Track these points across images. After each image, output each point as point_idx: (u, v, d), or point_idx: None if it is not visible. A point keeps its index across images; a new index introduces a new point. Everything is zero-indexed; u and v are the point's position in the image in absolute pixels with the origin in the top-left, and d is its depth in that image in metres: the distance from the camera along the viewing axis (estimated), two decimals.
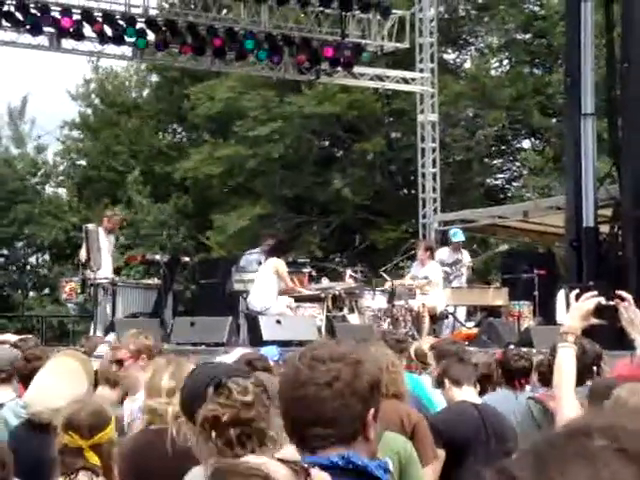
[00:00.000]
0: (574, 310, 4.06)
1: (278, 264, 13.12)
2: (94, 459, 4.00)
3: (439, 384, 6.09)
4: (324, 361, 2.30)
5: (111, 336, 8.13)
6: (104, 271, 13.98)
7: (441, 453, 5.43)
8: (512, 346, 11.46)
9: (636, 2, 14.53)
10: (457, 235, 16.78)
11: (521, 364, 6.89)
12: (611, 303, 4.14)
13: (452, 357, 6.43)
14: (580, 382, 5.98)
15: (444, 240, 18.20)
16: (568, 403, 3.94)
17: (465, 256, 16.28)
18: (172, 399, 4.60)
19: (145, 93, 35.77)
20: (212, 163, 28.40)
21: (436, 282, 14.55)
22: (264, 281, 13.13)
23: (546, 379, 6.67)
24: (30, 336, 9.84)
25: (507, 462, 1.15)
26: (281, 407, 2.38)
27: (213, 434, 2.82)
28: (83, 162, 34.73)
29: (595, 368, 6.32)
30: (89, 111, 34.80)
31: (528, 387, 7.02)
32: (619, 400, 4.14)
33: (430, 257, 14.94)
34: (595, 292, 4.11)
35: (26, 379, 5.96)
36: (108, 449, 4.07)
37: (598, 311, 4.04)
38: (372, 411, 2.33)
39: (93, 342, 8.02)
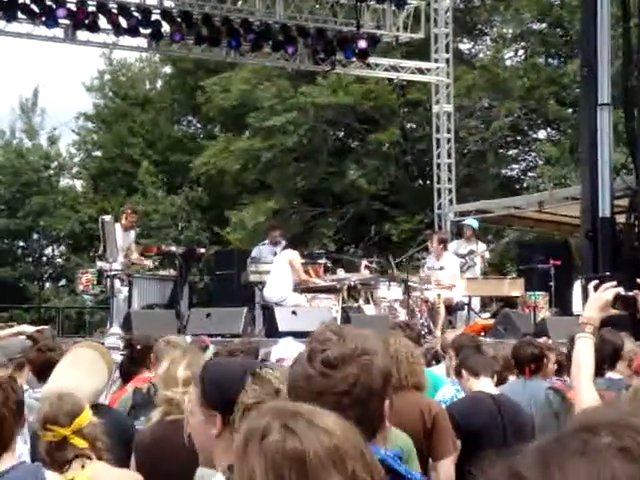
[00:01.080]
0: (593, 301, 4.02)
1: (292, 256, 13.13)
2: (81, 443, 4.03)
3: (457, 374, 6.10)
4: (336, 366, 2.26)
5: (115, 328, 8.14)
6: (118, 265, 13.99)
7: (457, 444, 5.43)
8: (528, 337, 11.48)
9: None
10: (467, 220, 16.79)
11: (530, 351, 6.89)
12: (630, 294, 4.11)
13: (470, 348, 6.44)
14: (599, 373, 5.98)
15: (459, 232, 18.15)
16: (586, 394, 3.92)
17: (480, 246, 16.25)
18: (189, 388, 4.62)
19: (158, 85, 35.82)
20: (227, 157, 28.40)
21: (454, 274, 14.54)
22: (279, 273, 13.15)
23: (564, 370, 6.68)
24: (46, 327, 9.88)
25: (513, 458, 1.15)
26: None
27: None
28: (98, 153, 34.81)
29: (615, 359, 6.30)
30: (102, 102, 34.87)
31: (555, 378, 6.99)
32: (638, 392, 4.13)
33: (444, 249, 14.93)
34: (614, 282, 4.08)
35: (39, 370, 5.98)
36: (92, 431, 4.10)
37: (618, 301, 4.01)
38: (387, 403, 2.32)
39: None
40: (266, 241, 15.74)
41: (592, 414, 1.20)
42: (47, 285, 33.80)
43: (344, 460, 1.77)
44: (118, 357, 7.22)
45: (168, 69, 34.96)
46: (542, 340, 10.17)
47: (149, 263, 14.79)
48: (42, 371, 5.77)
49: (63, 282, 33.12)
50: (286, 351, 6.52)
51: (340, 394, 2.25)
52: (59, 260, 34.64)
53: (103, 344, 6.94)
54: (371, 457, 1.85)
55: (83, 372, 5.04)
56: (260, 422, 1.82)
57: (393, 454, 2.26)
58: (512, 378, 6.94)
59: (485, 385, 5.86)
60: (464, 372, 5.92)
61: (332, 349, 2.30)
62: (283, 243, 14.66)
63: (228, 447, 2.84)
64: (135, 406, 5.88)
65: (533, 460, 1.14)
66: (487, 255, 16.75)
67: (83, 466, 4.04)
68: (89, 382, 4.96)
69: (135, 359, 6.78)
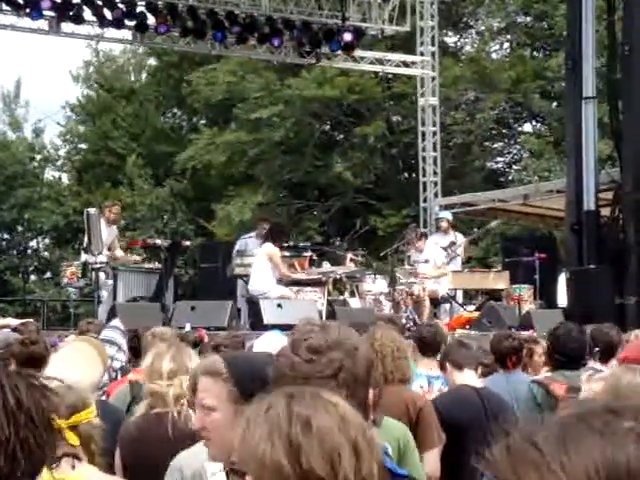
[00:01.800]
0: None
1: (271, 251, 13.07)
2: (73, 439, 3.98)
3: (441, 367, 6.11)
4: (321, 352, 2.28)
5: (116, 321, 8.13)
6: (103, 257, 13.95)
7: (442, 436, 5.45)
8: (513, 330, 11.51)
9: None
10: (441, 214, 16.82)
11: (509, 343, 6.91)
12: None
13: (453, 341, 6.46)
14: (580, 364, 6.02)
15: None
16: None
17: (459, 237, 16.25)
18: (173, 381, 4.62)
19: (143, 77, 35.73)
20: (213, 150, 28.36)
21: (438, 264, 14.59)
22: (260, 266, 13.13)
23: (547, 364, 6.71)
24: (31, 320, 9.86)
25: (533, 428, 1.16)
26: None
27: None
28: (83, 146, 34.72)
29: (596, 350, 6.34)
30: (88, 93, 34.77)
31: (545, 369, 7.02)
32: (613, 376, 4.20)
33: (425, 242, 15.03)
34: None
35: (23, 363, 5.96)
36: (87, 430, 4.05)
37: None
38: (372, 392, 2.33)
39: (99, 326, 8.06)
40: (252, 233, 15.71)
41: (624, 397, 1.22)
42: (32, 278, 33.70)
43: (348, 429, 1.81)
44: (111, 351, 7.22)
45: (153, 61, 34.86)
46: (527, 333, 10.23)
47: (135, 258, 14.75)
48: (26, 364, 5.74)
49: (48, 275, 33.04)
50: (269, 344, 6.50)
51: (326, 378, 2.26)
52: (44, 253, 34.55)
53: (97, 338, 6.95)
54: (370, 434, 1.87)
55: (79, 366, 5.03)
56: (265, 400, 1.86)
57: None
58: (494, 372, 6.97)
59: (469, 378, 5.87)
60: (448, 365, 5.93)
61: (315, 337, 2.32)
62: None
63: None
64: (135, 398, 5.87)
65: (552, 433, 1.15)
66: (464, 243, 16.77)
67: (73, 467, 4.01)
68: (84, 376, 4.95)
69: (138, 350, 6.79)
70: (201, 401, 3.03)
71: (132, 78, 35.65)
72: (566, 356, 6.07)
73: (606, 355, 6.43)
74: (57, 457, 3.96)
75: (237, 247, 15.40)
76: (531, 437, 1.13)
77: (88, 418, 4.02)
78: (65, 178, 35.01)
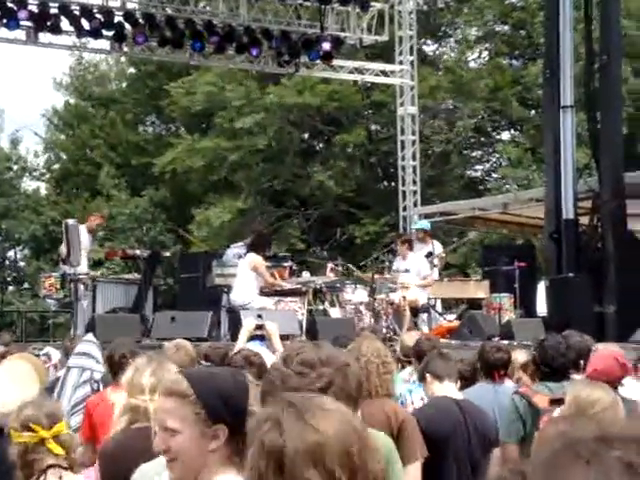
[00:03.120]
0: None
1: (255, 260, 13.01)
2: (57, 450, 3.99)
3: (420, 378, 6.10)
4: (313, 366, 2.28)
5: (90, 335, 8.11)
6: (83, 267, 13.95)
7: (424, 449, 5.43)
8: (496, 339, 11.53)
9: None
10: (420, 224, 16.82)
11: (499, 356, 6.90)
12: None
13: (433, 352, 6.44)
14: (565, 376, 6.03)
15: None
16: None
17: (437, 246, 16.25)
18: (154, 396, 4.59)
19: (124, 85, 35.67)
20: (192, 156, 28.32)
21: (421, 275, 14.56)
22: (243, 276, 13.08)
23: (533, 375, 6.71)
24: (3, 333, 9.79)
25: (523, 460, 1.19)
26: None
27: None
28: (62, 155, 34.59)
29: (582, 362, 6.35)
30: (69, 101, 34.65)
31: (510, 382, 7.04)
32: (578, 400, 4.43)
33: (409, 249, 14.93)
34: None
35: None
36: (68, 439, 4.05)
37: None
38: (359, 411, 2.33)
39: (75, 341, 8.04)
40: (239, 243, 15.58)
41: (621, 424, 1.23)
42: (10, 288, 33.48)
43: (323, 458, 1.79)
44: (90, 363, 7.19)
45: (132, 70, 34.81)
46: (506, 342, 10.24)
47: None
48: None
49: (26, 285, 32.85)
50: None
51: (315, 391, 2.26)
52: (21, 263, 34.35)
53: (38, 356, 6.93)
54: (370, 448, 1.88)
55: (15, 384, 5.02)
56: (263, 413, 1.90)
57: None
58: (479, 383, 6.96)
59: (449, 390, 5.87)
60: (428, 376, 5.92)
61: (308, 352, 2.33)
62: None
63: (223, 459, 2.77)
64: None
65: (541, 462, 1.18)
66: (442, 254, 16.76)
67: (60, 477, 3.99)
68: (20, 394, 4.92)
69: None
70: (163, 423, 2.87)
71: (114, 86, 35.56)
72: (551, 368, 6.08)
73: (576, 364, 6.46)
74: (42, 469, 3.95)
75: (224, 257, 15.29)
76: (518, 469, 1.13)
77: (65, 427, 4.04)
78: (43, 188, 34.88)
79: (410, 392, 6.54)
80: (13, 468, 3.99)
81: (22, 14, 16.63)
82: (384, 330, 12.53)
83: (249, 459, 1.83)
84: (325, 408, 1.87)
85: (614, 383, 5.54)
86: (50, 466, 3.98)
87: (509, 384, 6.90)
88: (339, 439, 1.82)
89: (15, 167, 34.44)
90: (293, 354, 2.35)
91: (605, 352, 6.22)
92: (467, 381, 6.85)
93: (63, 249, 13.92)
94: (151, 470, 3.55)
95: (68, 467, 4.04)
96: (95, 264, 15.90)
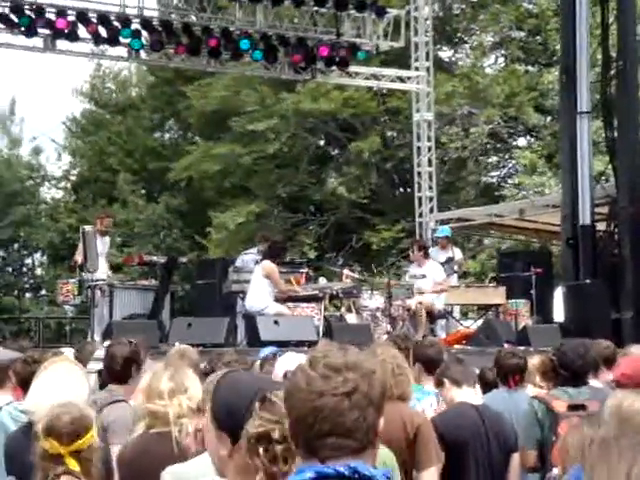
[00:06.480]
0: None
1: (268, 268, 13.02)
2: (73, 464, 3.97)
3: (438, 384, 6.09)
4: (339, 370, 2.29)
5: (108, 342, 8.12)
6: (100, 273, 13.99)
7: (441, 455, 5.42)
8: (508, 345, 11.51)
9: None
10: (442, 231, 16.81)
11: (514, 362, 6.90)
12: None
13: (450, 358, 6.45)
14: (584, 382, 6.02)
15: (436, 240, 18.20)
16: None
17: (456, 253, 16.24)
18: (172, 401, 4.61)
19: (144, 92, 35.82)
20: (208, 161, 28.39)
21: (436, 281, 14.56)
22: (258, 283, 13.09)
23: (549, 379, 6.70)
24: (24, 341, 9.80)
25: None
26: (291, 416, 2.34)
27: (261, 450, 2.69)
28: (79, 163, 34.74)
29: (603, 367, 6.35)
30: (88, 108, 34.81)
31: (530, 386, 7.02)
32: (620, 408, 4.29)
33: (425, 256, 14.92)
34: None
35: (24, 382, 5.92)
36: (88, 455, 4.02)
37: None
38: (382, 420, 2.33)
39: (92, 346, 8.05)
40: (253, 249, 15.65)
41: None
42: (27, 295, 33.64)
43: None
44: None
45: (150, 77, 34.93)
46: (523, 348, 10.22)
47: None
48: (28, 383, 5.70)
49: (43, 292, 32.98)
50: (292, 363, 6.46)
51: (340, 396, 2.26)
52: (39, 270, 34.50)
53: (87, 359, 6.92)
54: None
55: (66, 385, 5.00)
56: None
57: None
58: (495, 389, 6.95)
59: (468, 395, 5.86)
60: (446, 382, 5.92)
61: (334, 356, 2.34)
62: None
63: (239, 468, 2.80)
64: None
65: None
66: (462, 260, 16.76)
67: None
68: (72, 395, 4.92)
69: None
70: None
71: (134, 93, 35.70)
72: (571, 372, 6.07)
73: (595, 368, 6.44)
74: (56, 474, 3.95)
75: (237, 263, 15.36)
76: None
77: (89, 442, 3.99)
78: (60, 195, 35.04)
79: (419, 400, 6.53)
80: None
81: (40, 22, 16.72)
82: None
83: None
84: None
85: None
86: (64, 472, 3.98)
87: (529, 390, 6.89)
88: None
89: (34, 175, 34.61)
90: (319, 357, 2.35)
91: (635, 356, 6.21)
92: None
93: (79, 255, 13.98)
94: (189, 473, 3.56)
95: (82, 478, 4.02)
96: (112, 269, 15.92)
